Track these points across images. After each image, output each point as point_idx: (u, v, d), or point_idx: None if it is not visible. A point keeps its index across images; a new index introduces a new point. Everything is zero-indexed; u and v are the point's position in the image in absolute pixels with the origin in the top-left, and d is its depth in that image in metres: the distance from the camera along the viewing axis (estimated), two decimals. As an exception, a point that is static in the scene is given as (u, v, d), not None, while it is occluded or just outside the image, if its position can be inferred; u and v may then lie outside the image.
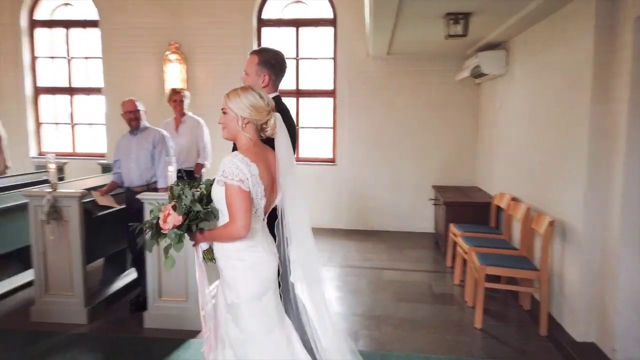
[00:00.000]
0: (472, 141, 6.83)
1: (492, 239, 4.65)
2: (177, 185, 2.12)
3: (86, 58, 7.58)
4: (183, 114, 5.20)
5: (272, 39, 7.21)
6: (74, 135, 7.69)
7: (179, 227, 2.03)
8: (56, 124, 7.73)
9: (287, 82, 7.13)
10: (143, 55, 7.16)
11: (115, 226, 4.18)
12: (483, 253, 4.13)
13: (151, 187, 4.07)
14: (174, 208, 2.03)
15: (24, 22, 7.36)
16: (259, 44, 7.13)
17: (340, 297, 4.58)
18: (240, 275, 2.11)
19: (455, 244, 4.99)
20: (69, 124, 7.67)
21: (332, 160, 7.20)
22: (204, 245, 2.21)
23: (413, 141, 6.94)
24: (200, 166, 5.20)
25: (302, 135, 7.33)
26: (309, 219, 2.23)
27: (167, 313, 3.76)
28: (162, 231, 2.05)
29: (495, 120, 5.91)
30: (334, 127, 7.16)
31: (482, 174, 6.54)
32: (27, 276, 4.26)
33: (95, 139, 7.64)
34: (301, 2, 7.13)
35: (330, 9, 7.03)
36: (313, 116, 7.33)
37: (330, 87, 7.15)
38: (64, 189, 4.01)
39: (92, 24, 7.38)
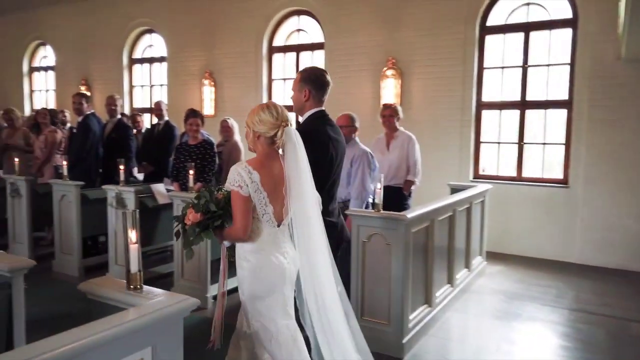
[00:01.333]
0: None
1: None
2: (205, 189, 2.37)
3: (312, 78, 8.18)
4: (395, 130, 5.07)
5: (495, 47, 6.63)
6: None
7: (197, 225, 2.26)
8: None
9: (511, 93, 6.55)
10: (362, 72, 7.37)
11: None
12: None
13: (348, 205, 3.99)
14: (194, 207, 2.29)
15: (264, 49, 8.35)
16: (481, 54, 6.63)
17: (567, 347, 3.79)
18: (246, 274, 2.31)
19: None
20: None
21: (563, 182, 6.19)
22: (226, 243, 2.41)
23: (679, 162, 5.47)
24: (409, 183, 4.99)
25: (527, 151, 6.51)
26: (320, 231, 2.32)
27: (367, 334, 3.62)
28: (186, 227, 2.32)
29: None
30: (567, 143, 6.15)
31: None
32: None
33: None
34: (533, 3, 6.37)
35: (570, 8, 6.09)
36: (541, 130, 6.45)
37: (564, 97, 6.19)
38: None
39: (318, 46, 7.95)
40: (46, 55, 11.10)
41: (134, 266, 1.78)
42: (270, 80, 8.48)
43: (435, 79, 6.81)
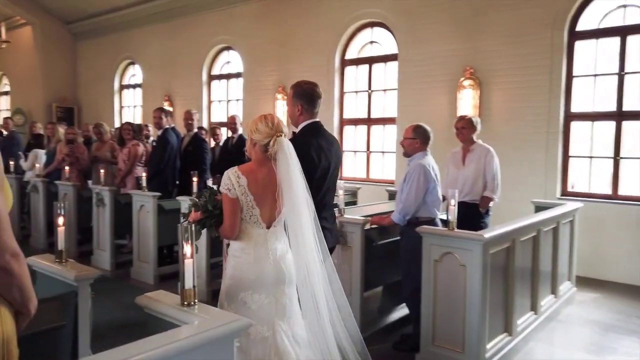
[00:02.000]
0: None
1: None
2: (207, 191, 2.60)
3: (384, 90, 8.03)
4: (470, 142, 4.76)
5: (586, 53, 6.09)
6: (369, 162, 8.21)
7: (198, 222, 2.50)
8: (354, 151, 8.42)
9: (605, 103, 5.95)
10: (436, 83, 7.09)
11: (395, 256, 4.06)
12: None
13: (412, 222, 3.76)
14: (194, 206, 2.57)
15: (337, 62, 8.32)
16: (570, 61, 6.12)
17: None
18: (229, 270, 2.49)
19: None
20: (365, 151, 8.24)
21: (667, 201, 5.50)
22: (226, 241, 2.60)
23: None
24: (486, 200, 4.63)
25: (624, 167, 5.87)
26: (310, 234, 2.43)
27: (440, 363, 3.37)
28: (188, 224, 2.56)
29: None
30: (673, 158, 5.47)
31: None
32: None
33: (386, 166, 7.99)
34: (630, 5, 5.78)
35: (675, 7, 5.47)
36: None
37: (668, 106, 5.53)
38: (350, 214, 4.12)
39: (392, 58, 7.78)
40: (135, 74, 11.88)
41: (189, 282, 1.71)
42: (342, 94, 8.42)
43: (518, 88, 6.38)
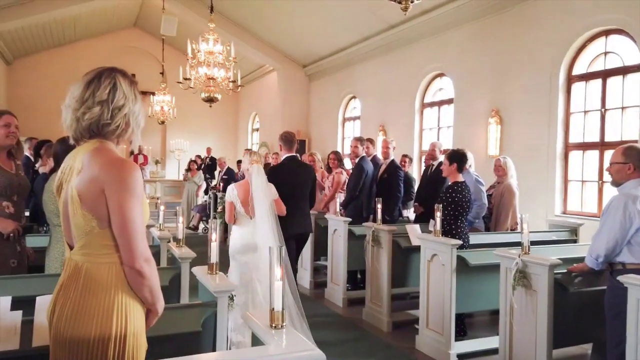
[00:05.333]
0: None
1: None
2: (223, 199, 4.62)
3: (622, 108, 6.66)
4: None
5: None
6: (602, 195, 6.86)
7: (221, 212, 4.72)
8: (582, 181, 7.17)
9: None
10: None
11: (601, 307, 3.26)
12: None
13: (617, 270, 2.93)
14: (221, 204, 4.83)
15: (561, 79, 7.31)
16: None
17: None
18: (231, 240, 4.43)
19: None
20: (597, 181, 6.93)
21: None
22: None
23: None
24: None
25: None
26: (267, 222, 4.11)
27: None
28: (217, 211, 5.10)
29: None
30: None
31: None
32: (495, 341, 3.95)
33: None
34: None
35: None
36: None
37: None
38: (549, 254, 3.49)
39: (633, 69, 6.43)
40: (355, 107, 12.72)
41: (278, 304, 1.68)
42: (567, 114, 7.32)
43: None
